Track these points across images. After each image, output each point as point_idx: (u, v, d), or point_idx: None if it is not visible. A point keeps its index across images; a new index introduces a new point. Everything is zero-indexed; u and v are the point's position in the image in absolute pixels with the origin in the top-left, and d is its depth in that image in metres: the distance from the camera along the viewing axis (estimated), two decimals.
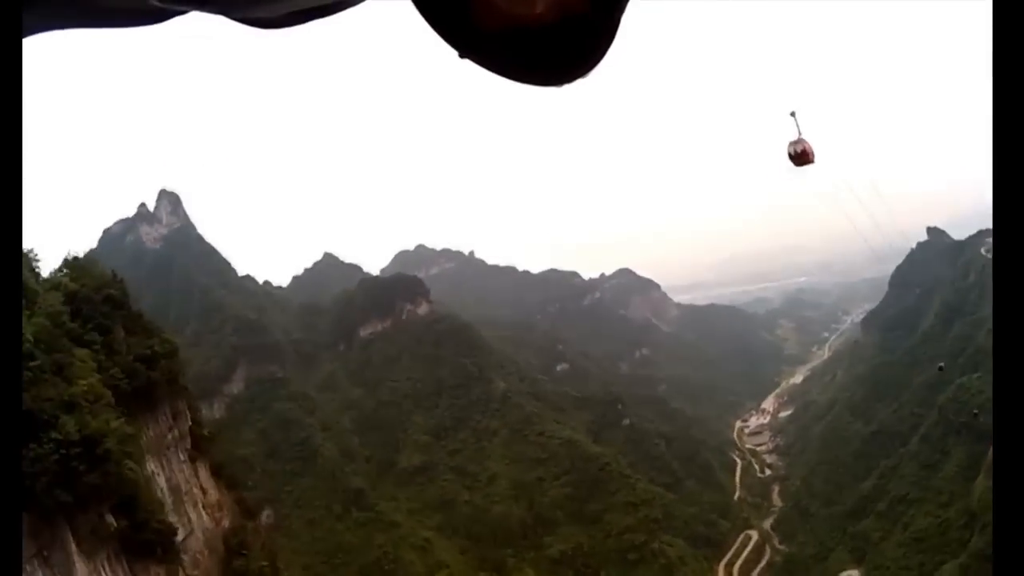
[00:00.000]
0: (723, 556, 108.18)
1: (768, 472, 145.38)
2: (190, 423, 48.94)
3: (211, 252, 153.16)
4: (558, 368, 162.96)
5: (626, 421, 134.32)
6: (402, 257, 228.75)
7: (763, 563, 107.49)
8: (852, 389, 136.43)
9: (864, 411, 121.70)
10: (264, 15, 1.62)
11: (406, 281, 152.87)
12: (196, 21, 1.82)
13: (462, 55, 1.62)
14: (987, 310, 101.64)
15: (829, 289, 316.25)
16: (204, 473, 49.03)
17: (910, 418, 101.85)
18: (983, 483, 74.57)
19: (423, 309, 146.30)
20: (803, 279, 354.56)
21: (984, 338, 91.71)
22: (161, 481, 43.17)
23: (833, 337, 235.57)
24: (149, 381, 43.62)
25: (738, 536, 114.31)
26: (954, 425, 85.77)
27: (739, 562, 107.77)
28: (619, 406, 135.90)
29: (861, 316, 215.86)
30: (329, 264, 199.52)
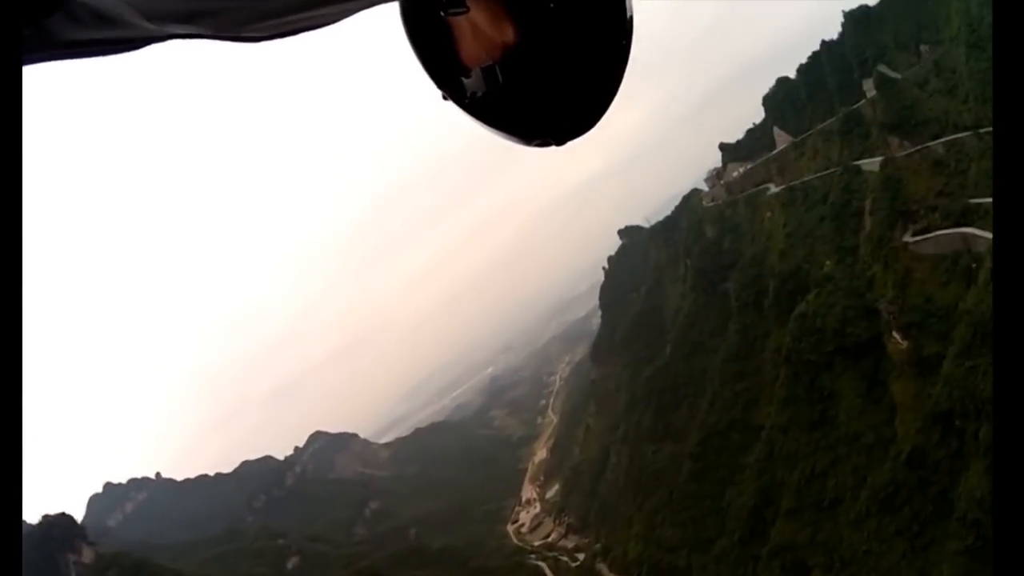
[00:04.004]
0: None
1: (581, 557, 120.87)
2: None
3: None
4: (289, 566, 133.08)
5: None
6: (95, 502, 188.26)
7: None
8: (626, 421, 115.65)
9: (664, 430, 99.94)
10: (255, 34, 1.62)
11: (56, 527, 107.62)
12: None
13: (446, 96, 1.57)
14: (748, 246, 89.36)
15: (521, 363, 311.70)
16: None
17: (741, 399, 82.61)
18: (904, 384, 57.80)
19: (88, 556, 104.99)
20: (490, 369, 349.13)
21: (774, 259, 77.91)
22: None
23: (552, 400, 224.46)
24: None
25: None
26: (820, 360, 69.15)
27: None
28: None
29: (570, 367, 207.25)
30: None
